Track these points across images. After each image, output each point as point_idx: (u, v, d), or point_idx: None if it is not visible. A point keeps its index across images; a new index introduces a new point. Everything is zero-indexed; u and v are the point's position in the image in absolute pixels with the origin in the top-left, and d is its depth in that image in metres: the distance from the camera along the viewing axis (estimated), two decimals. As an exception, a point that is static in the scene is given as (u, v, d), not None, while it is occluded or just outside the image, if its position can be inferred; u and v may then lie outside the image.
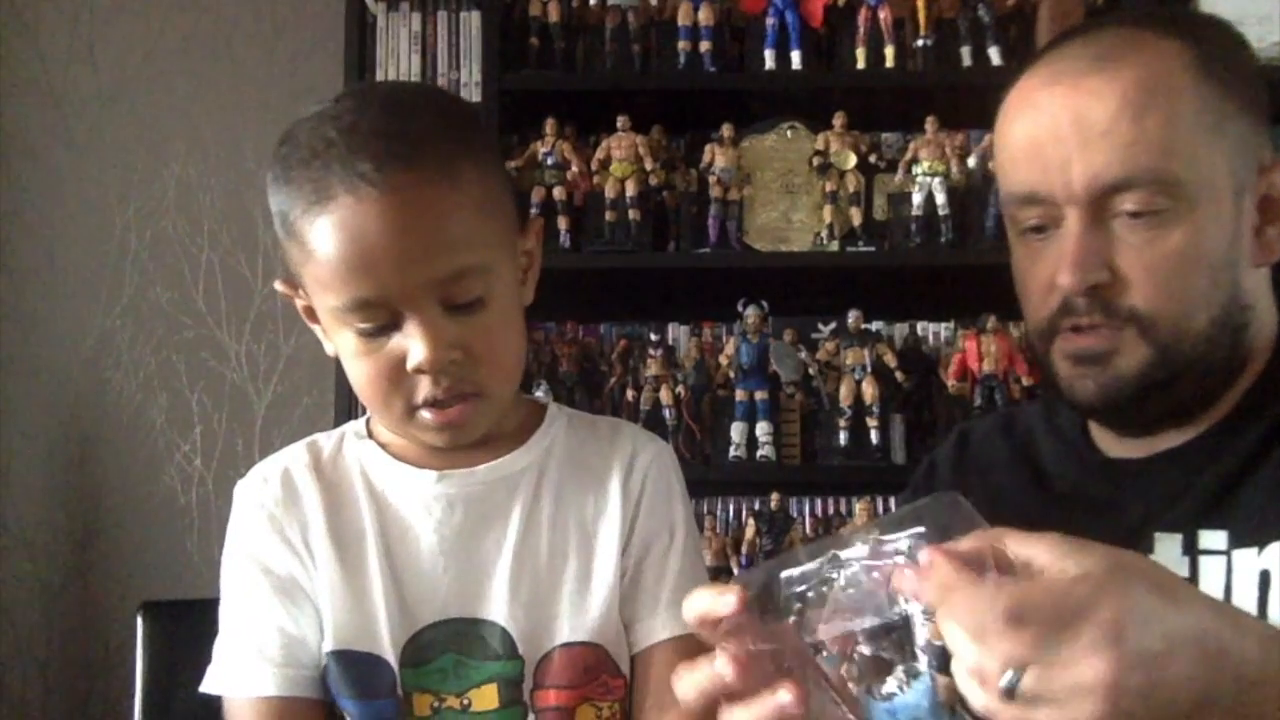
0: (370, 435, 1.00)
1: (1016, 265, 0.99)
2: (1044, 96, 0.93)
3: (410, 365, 0.88)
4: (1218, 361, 0.93)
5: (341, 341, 0.92)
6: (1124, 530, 0.95)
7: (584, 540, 0.98)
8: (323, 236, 0.86)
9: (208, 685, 0.96)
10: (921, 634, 0.64)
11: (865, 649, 0.65)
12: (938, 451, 1.16)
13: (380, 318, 0.88)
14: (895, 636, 0.65)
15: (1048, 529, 0.64)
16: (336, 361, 0.95)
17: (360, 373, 0.91)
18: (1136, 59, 0.90)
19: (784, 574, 0.67)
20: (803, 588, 0.67)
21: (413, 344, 0.88)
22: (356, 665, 0.94)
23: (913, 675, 0.64)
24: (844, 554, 0.66)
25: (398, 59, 2.26)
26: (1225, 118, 0.91)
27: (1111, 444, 1.01)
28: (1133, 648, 0.59)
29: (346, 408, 2.13)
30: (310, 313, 0.94)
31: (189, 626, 1.32)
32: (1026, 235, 0.96)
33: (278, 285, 0.97)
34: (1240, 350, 0.94)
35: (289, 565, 0.95)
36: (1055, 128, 0.91)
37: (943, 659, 0.63)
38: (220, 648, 0.97)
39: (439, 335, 0.87)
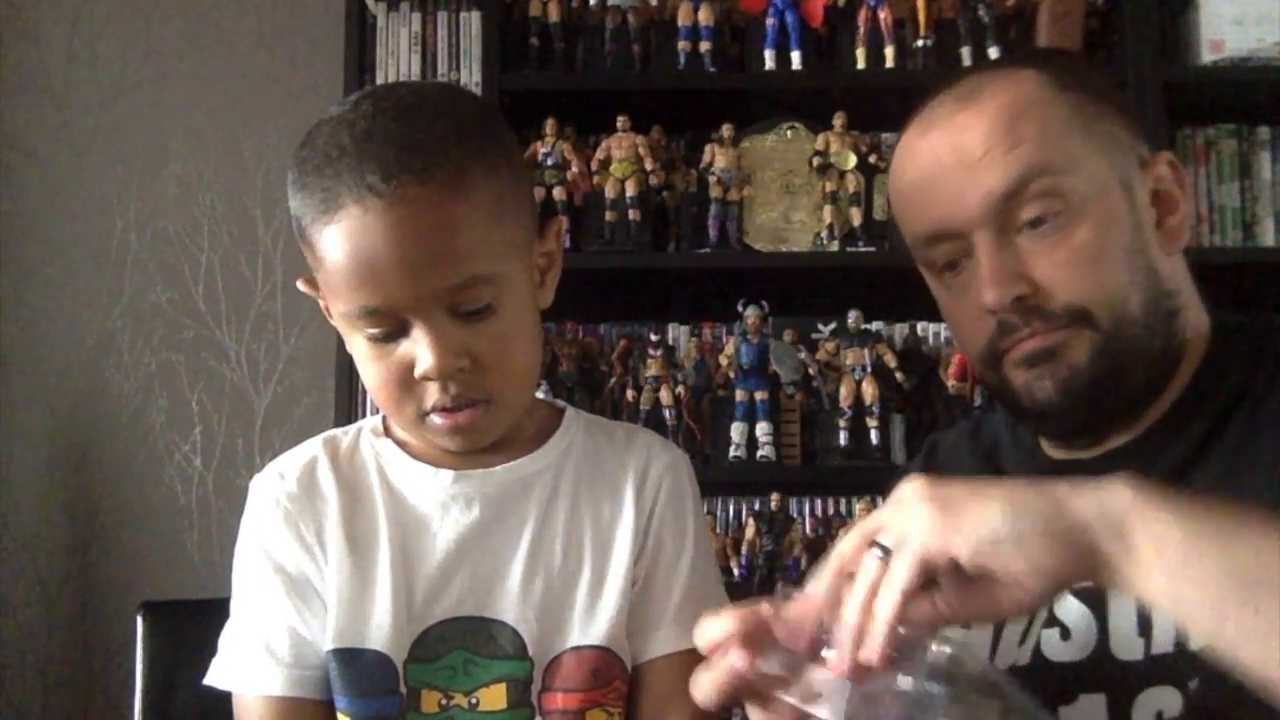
0: (387, 433, 1.01)
1: (943, 306, 1.03)
2: (923, 144, 0.98)
3: (418, 373, 0.89)
4: (1158, 348, 0.95)
5: (354, 344, 0.93)
6: None
7: (599, 545, 0.98)
8: (331, 245, 0.87)
9: (212, 678, 0.96)
10: None
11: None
12: (910, 464, 1.18)
13: (388, 324, 0.88)
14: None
15: None
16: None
17: (372, 376, 0.92)
18: (997, 90, 0.96)
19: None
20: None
21: (420, 351, 0.88)
22: (356, 663, 0.93)
23: None
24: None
25: (398, 59, 2.26)
26: (1092, 119, 0.95)
27: (1058, 452, 1.02)
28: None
29: (347, 408, 2.12)
30: (330, 312, 0.95)
31: (189, 626, 1.31)
32: (944, 275, 1.00)
33: (300, 285, 0.97)
34: (1176, 338, 0.96)
35: (301, 563, 0.95)
36: (939, 165, 0.96)
37: None
38: (228, 641, 0.96)
39: (446, 343, 0.88)
